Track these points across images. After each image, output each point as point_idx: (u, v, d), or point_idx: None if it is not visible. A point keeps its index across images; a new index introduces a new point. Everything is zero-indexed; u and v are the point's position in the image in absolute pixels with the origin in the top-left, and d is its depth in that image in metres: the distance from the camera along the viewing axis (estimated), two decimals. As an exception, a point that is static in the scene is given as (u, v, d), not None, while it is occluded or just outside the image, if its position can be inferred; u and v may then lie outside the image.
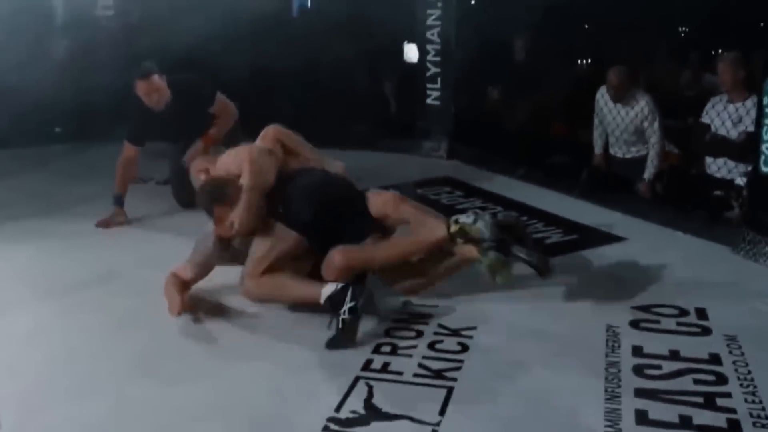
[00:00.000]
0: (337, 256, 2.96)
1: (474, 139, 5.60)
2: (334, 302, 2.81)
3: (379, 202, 3.13)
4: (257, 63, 6.05)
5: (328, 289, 2.87)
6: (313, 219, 3.06)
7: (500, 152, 5.35)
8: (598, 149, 4.90)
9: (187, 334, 2.93)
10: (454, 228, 2.95)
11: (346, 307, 2.77)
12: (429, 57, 5.72)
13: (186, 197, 4.26)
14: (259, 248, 3.03)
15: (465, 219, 2.96)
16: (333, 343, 2.78)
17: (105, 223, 4.22)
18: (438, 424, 2.36)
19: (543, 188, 4.78)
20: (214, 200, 3.09)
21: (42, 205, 4.59)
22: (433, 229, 3.01)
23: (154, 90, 4.13)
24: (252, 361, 2.74)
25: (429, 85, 5.76)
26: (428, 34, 5.65)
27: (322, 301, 2.85)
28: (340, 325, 2.77)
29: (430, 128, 5.80)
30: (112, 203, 4.29)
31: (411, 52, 5.88)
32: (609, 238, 3.85)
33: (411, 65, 5.92)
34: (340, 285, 2.84)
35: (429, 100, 5.79)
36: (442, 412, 2.41)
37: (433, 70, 5.74)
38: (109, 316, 3.09)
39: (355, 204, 3.14)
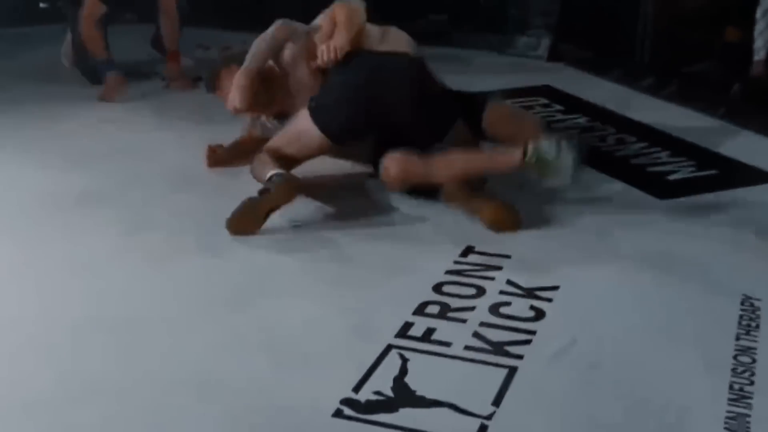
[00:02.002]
0: (391, 166, 3.21)
1: (586, 35, 5.55)
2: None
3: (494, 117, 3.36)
4: None
5: (271, 172, 3.18)
6: (345, 130, 3.32)
7: (621, 54, 5.32)
8: (759, 53, 4.69)
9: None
10: (531, 158, 3.02)
11: (262, 187, 3.09)
12: None
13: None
14: (286, 133, 3.43)
15: (547, 149, 3.02)
16: (228, 222, 3.09)
17: (108, 95, 4.62)
18: (490, 417, 2.22)
19: (675, 105, 4.72)
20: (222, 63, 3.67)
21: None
22: (512, 151, 3.10)
23: None
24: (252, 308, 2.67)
25: (529, -42, 5.67)
26: None
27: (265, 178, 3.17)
28: (241, 207, 3.08)
29: (527, 18, 5.75)
30: (101, 74, 4.65)
31: None
32: (761, 177, 3.72)
33: None
34: None
35: None
36: (497, 402, 2.27)
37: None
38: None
39: (424, 102, 3.31)
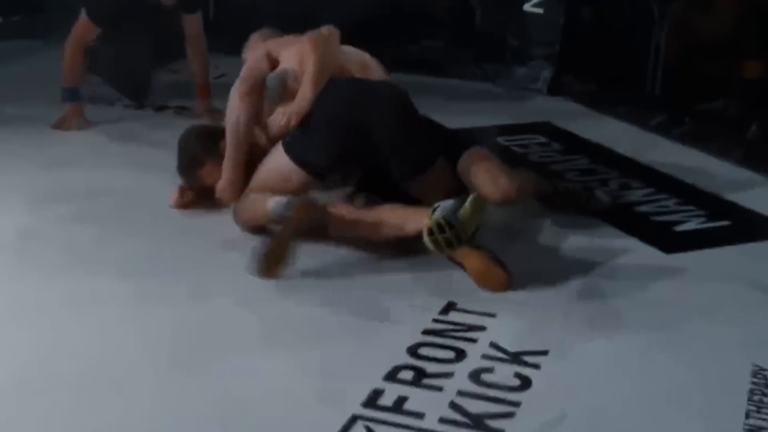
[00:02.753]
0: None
1: (590, 68, 5.57)
2: (276, 215, 3.15)
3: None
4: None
5: (274, 200, 3.19)
6: (323, 162, 3.34)
7: (628, 88, 5.34)
8: None
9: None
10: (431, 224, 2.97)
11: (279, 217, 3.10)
12: None
13: (134, 88, 5.00)
14: (262, 174, 3.46)
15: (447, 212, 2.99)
16: (255, 265, 3.07)
17: (63, 124, 4.61)
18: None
19: (687, 146, 4.71)
20: (204, 152, 3.56)
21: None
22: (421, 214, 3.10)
23: None
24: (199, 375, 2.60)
25: (530, -16, 5.73)
26: None
27: (271, 216, 3.17)
28: (266, 244, 3.06)
29: (527, 48, 5.78)
30: (61, 99, 4.63)
31: None
32: (779, 230, 3.73)
33: None
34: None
35: (528, 6, 5.73)
36: (474, 487, 2.18)
37: (537, -40, 5.72)
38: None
39: (407, 131, 3.34)
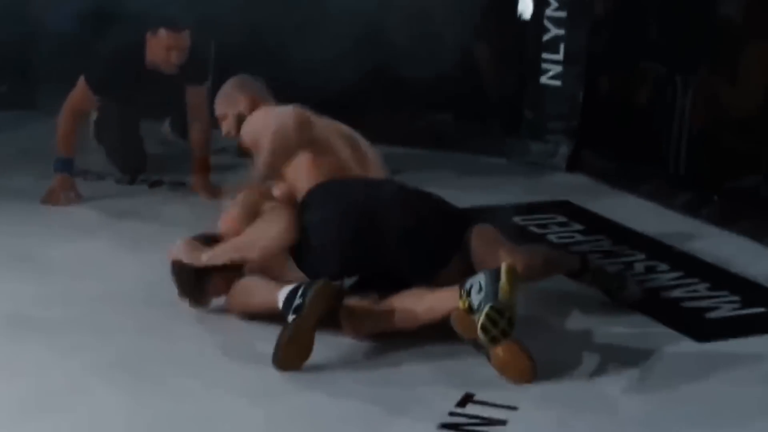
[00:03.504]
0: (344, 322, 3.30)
1: (611, 143, 5.59)
2: (287, 304, 3.15)
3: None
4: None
5: (285, 290, 3.20)
6: (343, 270, 3.39)
7: (652, 165, 5.31)
8: None
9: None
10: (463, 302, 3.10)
11: (293, 306, 3.10)
12: (549, 10, 5.68)
13: (134, 162, 5.14)
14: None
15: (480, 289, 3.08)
16: (276, 357, 3.07)
17: (52, 198, 4.67)
18: None
19: (717, 227, 4.72)
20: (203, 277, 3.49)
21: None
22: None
23: (180, 47, 4.67)
24: None
25: (546, 55, 5.74)
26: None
27: (280, 306, 3.18)
28: (286, 333, 3.07)
29: (544, 122, 5.81)
30: (53, 169, 4.71)
31: (523, 3, 5.90)
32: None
33: (520, 23, 5.92)
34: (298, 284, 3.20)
35: (545, 79, 5.76)
36: None
37: (555, 31, 5.70)
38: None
39: (419, 236, 3.40)
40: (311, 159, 3.67)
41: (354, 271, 3.44)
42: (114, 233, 4.37)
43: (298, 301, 3.11)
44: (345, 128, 3.85)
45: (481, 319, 2.99)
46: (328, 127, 3.80)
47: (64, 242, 4.23)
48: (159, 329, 3.41)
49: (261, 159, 3.67)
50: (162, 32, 4.65)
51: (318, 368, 3.14)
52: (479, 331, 2.99)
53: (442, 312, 3.17)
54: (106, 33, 4.94)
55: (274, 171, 3.65)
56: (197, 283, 3.48)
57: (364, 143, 3.84)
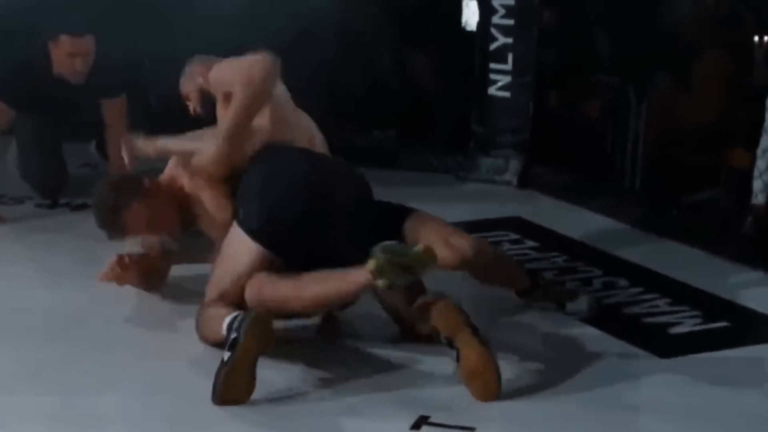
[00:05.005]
0: (250, 288, 3.33)
1: (564, 157, 5.61)
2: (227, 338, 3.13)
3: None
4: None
5: (227, 320, 3.17)
6: (279, 232, 3.36)
7: (605, 180, 5.36)
8: (758, 197, 4.69)
9: None
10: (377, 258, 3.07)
11: (229, 342, 3.06)
12: (496, 18, 5.69)
13: (53, 182, 5.05)
14: (216, 268, 3.46)
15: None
16: (214, 394, 3.03)
17: None
18: None
19: (674, 241, 4.75)
20: (126, 193, 3.57)
21: None
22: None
23: (82, 53, 4.69)
24: None
25: (494, 65, 5.75)
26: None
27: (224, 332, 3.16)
28: (223, 371, 3.04)
29: (493, 137, 5.81)
30: None
31: (468, 12, 5.97)
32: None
33: (465, 33, 6.00)
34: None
35: (492, 90, 5.78)
36: None
37: (502, 40, 5.72)
38: None
39: (366, 214, 3.44)
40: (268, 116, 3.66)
41: (297, 227, 3.38)
42: (32, 262, 4.33)
43: (233, 335, 3.07)
44: (309, 122, 3.87)
45: (375, 253, 3.02)
46: (295, 108, 3.82)
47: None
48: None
49: (233, 112, 3.54)
50: (63, 38, 4.66)
51: (263, 397, 3.11)
52: (370, 265, 3.01)
53: (356, 281, 3.17)
54: (10, 45, 4.91)
55: (245, 129, 3.56)
56: (115, 214, 3.56)
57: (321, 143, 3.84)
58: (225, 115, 3.58)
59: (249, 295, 3.31)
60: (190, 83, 3.91)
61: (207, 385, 3.05)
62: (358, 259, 3.16)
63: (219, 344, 3.22)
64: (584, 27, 6.09)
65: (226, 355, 3.04)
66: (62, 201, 5.08)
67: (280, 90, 3.75)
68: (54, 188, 5.09)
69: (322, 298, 3.28)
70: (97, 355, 3.41)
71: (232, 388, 3.02)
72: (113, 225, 3.63)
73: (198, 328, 3.41)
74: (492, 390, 3.07)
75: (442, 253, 3.27)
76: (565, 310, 3.73)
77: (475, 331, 3.10)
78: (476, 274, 3.59)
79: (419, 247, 3.09)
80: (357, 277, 3.15)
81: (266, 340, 3.06)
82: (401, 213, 3.54)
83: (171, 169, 3.74)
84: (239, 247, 3.38)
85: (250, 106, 3.52)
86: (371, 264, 3.03)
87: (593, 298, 3.83)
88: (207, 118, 3.83)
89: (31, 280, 4.10)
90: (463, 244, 3.41)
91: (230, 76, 3.61)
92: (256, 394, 3.07)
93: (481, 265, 3.50)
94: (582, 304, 3.76)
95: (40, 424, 2.95)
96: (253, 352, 3.03)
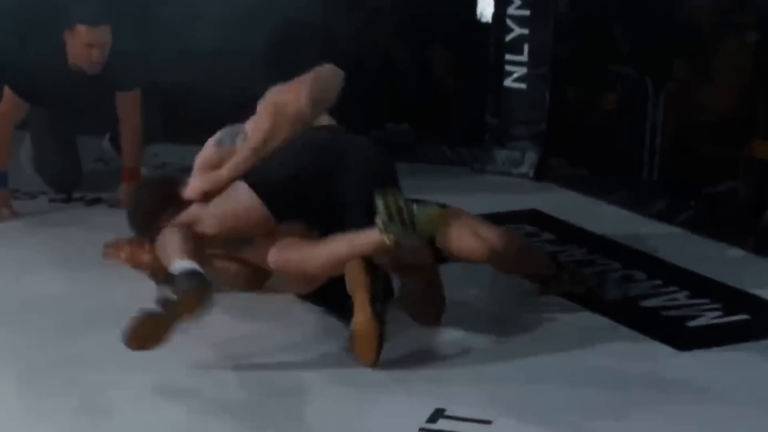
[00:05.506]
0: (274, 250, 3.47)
1: (581, 149, 5.63)
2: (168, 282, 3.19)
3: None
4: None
5: (178, 265, 3.22)
6: (289, 203, 3.48)
7: (623, 172, 5.34)
8: None
9: None
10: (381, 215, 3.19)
11: (164, 297, 3.09)
12: (511, 9, 5.70)
13: (67, 176, 5.10)
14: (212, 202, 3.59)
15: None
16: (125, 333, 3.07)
17: None
18: None
19: (693, 234, 4.77)
20: (164, 201, 3.64)
21: None
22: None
23: (99, 43, 4.68)
24: None
25: (509, 56, 5.75)
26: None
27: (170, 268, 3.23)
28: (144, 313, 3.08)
29: (509, 129, 5.80)
30: None
31: (483, 3, 5.99)
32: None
33: (480, 24, 6.00)
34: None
35: (508, 82, 5.77)
36: None
37: (518, 31, 5.72)
38: None
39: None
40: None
41: (305, 197, 3.50)
42: (47, 256, 4.35)
43: (171, 296, 3.10)
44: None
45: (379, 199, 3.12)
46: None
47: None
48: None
49: (259, 128, 3.64)
50: (80, 28, 4.67)
51: (278, 387, 3.14)
52: (378, 207, 3.11)
53: (365, 241, 3.27)
54: (25, 37, 4.97)
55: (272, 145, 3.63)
56: (152, 219, 3.65)
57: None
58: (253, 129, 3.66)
59: (272, 256, 3.45)
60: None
61: (226, 377, 3.11)
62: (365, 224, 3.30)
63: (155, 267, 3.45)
64: (601, 16, 6.07)
65: (155, 308, 3.07)
66: (76, 195, 5.11)
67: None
68: (68, 183, 5.12)
69: (336, 258, 3.33)
70: (111, 347, 3.43)
71: (143, 338, 3.07)
72: (148, 228, 3.68)
73: (159, 244, 3.44)
74: (370, 359, 3.15)
75: (472, 245, 3.35)
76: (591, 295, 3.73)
77: (374, 297, 3.16)
78: (502, 266, 3.60)
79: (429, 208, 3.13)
80: (367, 236, 3.25)
81: (192, 313, 3.11)
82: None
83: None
84: (239, 194, 3.51)
85: (270, 133, 3.62)
86: (378, 204, 3.12)
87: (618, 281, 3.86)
88: None
89: (44, 274, 4.12)
90: (493, 235, 3.44)
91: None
92: (273, 386, 3.10)
93: (509, 257, 3.52)
94: (613, 287, 3.78)
95: (63, 416, 2.97)
96: (183, 317, 3.09)
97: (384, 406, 3.05)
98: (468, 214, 3.57)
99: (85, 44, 4.67)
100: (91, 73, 4.75)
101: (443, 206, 3.52)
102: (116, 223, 4.69)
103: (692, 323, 3.73)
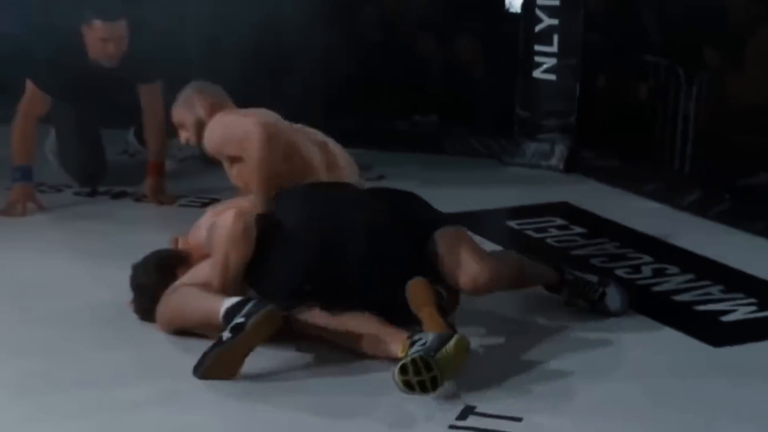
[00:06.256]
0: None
1: (612, 140, 5.64)
2: (228, 317, 3.15)
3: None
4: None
5: (229, 301, 3.20)
6: (292, 297, 3.37)
7: (655, 164, 5.35)
8: None
9: None
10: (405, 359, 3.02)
11: (233, 323, 3.09)
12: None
13: (92, 170, 5.14)
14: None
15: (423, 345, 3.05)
16: (198, 369, 3.13)
17: (13, 210, 4.71)
18: None
19: (728, 227, 4.76)
20: (159, 285, 3.53)
21: None
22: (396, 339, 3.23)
23: (117, 37, 4.73)
24: None
25: (539, 47, 5.75)
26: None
27: (221, 317, 3.18)
28: (217, 350, 3.11)
29: (538, 120, 5.81)
30: (11, 180, 4.75)
31: None
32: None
33: (509, 14, 6.04)
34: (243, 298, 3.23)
35: (538, 73, 5.78)
36: None
37: (548, 21, 5.73)
38: None
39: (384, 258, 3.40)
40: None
41: (308, 298, 3.39)
42: (72, 250, 4.38)
43: (239, 319, 3.09)
44: (314, 132, 3.83)
45: (406, 359, 2.97)
46: (296, 131, 3.78)
47: (21, 260, 4.24)
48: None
49: (256, 190, 3.62)
50: (96, 23, 4.70)
51: (309, 387, 3.16)
52: (396, 372, 2.96)
53: (383, 350, 3.22)
54: (47, 32, 4.98)
55: (270, 194, 3.61)
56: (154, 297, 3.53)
57: (336, 148, 3.82)
58: (246, 179, 3.65)
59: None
60: (188, 113, 3.90)
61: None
62: (375, 292, 3.33)
63: (182, 328, 3.36)
64: (631, 5, 6.07)
65: (226, 335, 3.08)
66: (102, 189, 5.15)
67: (284, 131, 3.72)
68: (93, 176, 5.16)
69: (355, 336, 3.29)
70: (136, 341, 3.47)
71: (219, 369, 3.10)
72: (142, 308, 3.60)
73: (168, 310, 3.40)
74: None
75: (456, 278, 3.38)
76: (593, 307, 3.65)
77: (440, 310, 3.17)
78: (499, 289, 3.55)
79: (453, 345, 3.01)
80: (388, 346, 3.20)
81: (267, 335, 3.12)
82: (428, 228, 3.50)
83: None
84: None
85: (264, 168, 3.58)
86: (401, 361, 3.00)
87: (624, 291, 3.70)
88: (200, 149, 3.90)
89: (71, 267, 4.15)
90: (479, 274, 3.38)
91: (224, 135, 3.72)
92: (299, 385, 3.12)
93: (503, 284, 3.50)
94: (614, 301, 3.65)
95: (86, 411, 2.98)
96: (255, 343, 3.10)
97: (416, 403, 3.04)
98: (463, 239, 3.50)
99: (101, 39, 4.70)
100: (109, 66, 4.78)
101: (439, 224, 3.51)
102: (141, 218, 4.79)
103: (727, 318, 3.71)
